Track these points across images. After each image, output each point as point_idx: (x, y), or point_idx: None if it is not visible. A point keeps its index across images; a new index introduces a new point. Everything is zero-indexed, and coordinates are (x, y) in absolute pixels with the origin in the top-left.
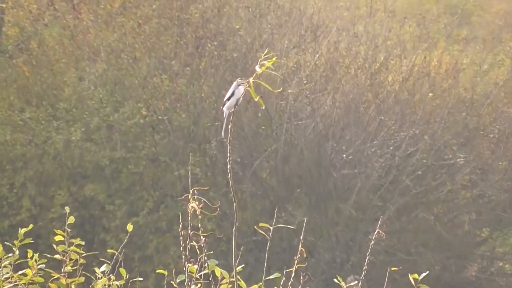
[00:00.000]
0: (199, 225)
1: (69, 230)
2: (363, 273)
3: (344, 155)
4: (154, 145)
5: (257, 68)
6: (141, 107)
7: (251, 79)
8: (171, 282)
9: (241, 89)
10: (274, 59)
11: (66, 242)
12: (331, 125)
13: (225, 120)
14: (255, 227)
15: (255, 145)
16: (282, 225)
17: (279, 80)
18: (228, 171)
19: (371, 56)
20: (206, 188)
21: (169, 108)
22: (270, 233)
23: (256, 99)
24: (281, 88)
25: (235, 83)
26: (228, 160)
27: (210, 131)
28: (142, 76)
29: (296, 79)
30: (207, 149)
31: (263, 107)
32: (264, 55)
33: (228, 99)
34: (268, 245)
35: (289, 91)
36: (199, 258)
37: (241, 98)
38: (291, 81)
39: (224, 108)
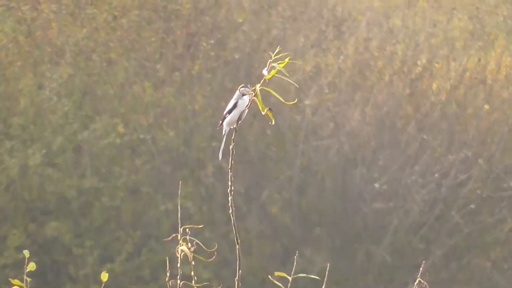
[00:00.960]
0: (192, 273)
1: (28, 279)
2: None
3: (376, 185)
4: (134, 171)
5: (264, 72)
6: (117, 123)
7: (257, 87)
8: None
9: (246, 99)
10: (286, 60)
11: None
12: (360, 146)
13: (224, 139)
14: (270, 277)
15: (263, 171)
16: (303, 275)
17: (293, 88)
18: (230, 204)
19: (410, 57)
20: (201, 226)
21: (153, 125)
22: (288, 285)
23: (263, 112)
24: (296, 99)
25: (237, 92)
26: (229, 191)
27: (206, 154)
28: (119, 83)
29: (315, 87)
30: (202, 176)
31: (273, 122)
32: (274, 56)
33: (229, 112)
34: None
35: (306, 102)
36: None
37: (246, 111)
38: (308, 90)
39: (224, 124)
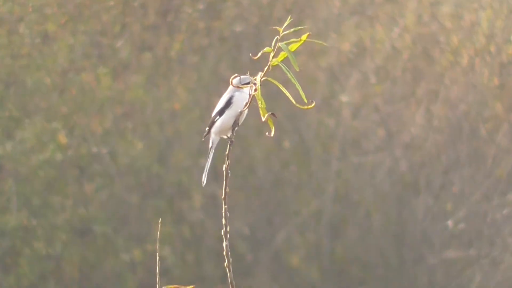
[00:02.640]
0: None
1: None
2: None
3: (449, 222)
4: (84, 202)
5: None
6: (57, 129)
7: (258, 77)
8: None
9: (245, 93)
10: (303, 37)
11: None
12: (424, 163)
13: (210, 154)
14: None
15: (278, 202)
16: None
17: (323, 76)
18: (224, 253)
19: (501, 30)
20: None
21: (112, 132)
22: None
23: (263, 119)
24: (314, 102)
25: (237, 79)
26: (223, 232)
27: (191, 176)
28: (59, 69)
29: (357, 75)
30: (186, 210)
31: (272, 134)
32: (283, 30)
33: (220, 113)
34: None
35: (343, 99)
36: None
37: (246, 112)
38: (346, 80)
39: (212, 132)
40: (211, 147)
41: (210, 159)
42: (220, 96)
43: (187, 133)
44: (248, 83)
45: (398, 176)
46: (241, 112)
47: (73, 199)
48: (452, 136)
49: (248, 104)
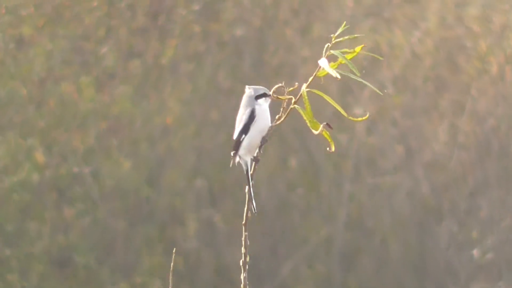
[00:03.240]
0: None
1: None
2: None
3: (475, 252)
4: (63, 229)
5: (323, 63)
6: (33, 146)
7: (303, 88)
8: None
9: (264, 106)
10: (358, 49)
11: None
12: (448, 185)
13: (249, 179)
14: None
15: (281, 229)
16: None
17: (334, 86)
18: (242, 285)
19: None
20: None
21: (95, 150)
22: None
23: (317, 132)
24: (368, 113)
25: (247, 93)
26: (242, 263)
27: (185, 200)
28: (36, 78)
29: (372, 83)
30: (179, 238)
31: (332, 149)
32: (335, 37)
33: (245, 130)
34: None
35: (357, 111)
36: None
37: (273, 128)
38: (360, 89)
39: (240, 152)
40: (246, 171)
41: (251, 184)
42: (219, 110)
43: (181, 151)
44: (262, 95)
45: (418, 199)
46: (271, 127)
47: (51, 225)
48: (480, 154)
49: (283, 118)
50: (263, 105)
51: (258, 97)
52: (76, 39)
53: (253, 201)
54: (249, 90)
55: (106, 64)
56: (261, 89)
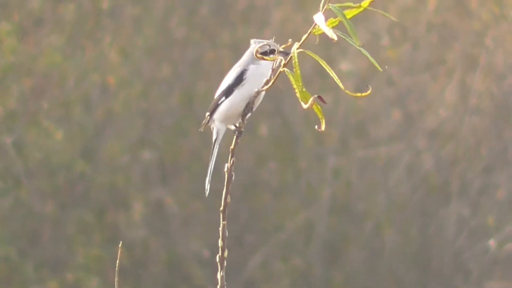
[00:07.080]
0: None
1: None
2: None
3: (491, 242)
4: None
5: (318, 19)
6: None
7: (294, 47)
8: None
9: (263, 67)
10: (365, 3)
11: None
12: (456, 158)
13: (213, 150)
14: None
15: (249, 214)
16: None
17: (336, 55)
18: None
19: None
20: None
21: (17, 114)
22: None
23: (306, 106)
24: (370, 89)
25: (250, 49)
26: (218, 258)
27: (130, 176)
28: None
29: (363, 33)
30: (121, 224)
31: (323, 128)
32: None
33: (227, 93)
34: None
35: (343, 67)
36: None
37: (263, 93)
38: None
39: (215, 118)
40: (215, 141)
41: (214, 158)
42: (176, 63)
43: (124, 116)
44: (269, 52)
45: (420, 176)
46: (258, 93)
47: None
48: (496, 119)
49: (271, 83)
50: (263, 67)
51: (262, 54)
52: None
53: (209, 178)
54: (253, 45)
55: (31, 7)
56: (269, 44)
